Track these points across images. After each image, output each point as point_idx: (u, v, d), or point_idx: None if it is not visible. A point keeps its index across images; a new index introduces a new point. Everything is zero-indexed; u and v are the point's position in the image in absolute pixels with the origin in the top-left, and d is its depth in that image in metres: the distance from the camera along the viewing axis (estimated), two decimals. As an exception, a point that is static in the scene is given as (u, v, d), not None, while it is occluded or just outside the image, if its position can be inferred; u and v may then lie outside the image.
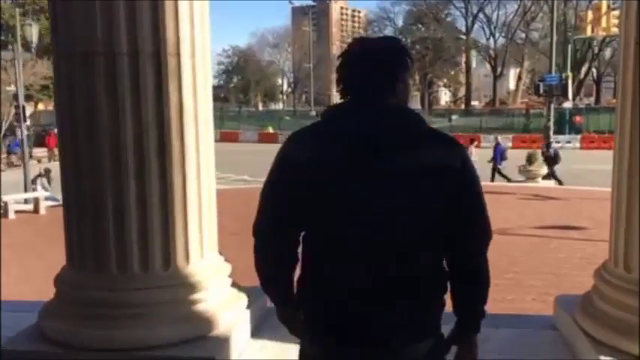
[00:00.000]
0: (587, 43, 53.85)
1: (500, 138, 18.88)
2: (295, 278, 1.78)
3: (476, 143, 17.61)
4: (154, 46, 2.95)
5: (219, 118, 46.81)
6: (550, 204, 12.04)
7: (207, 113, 3.21)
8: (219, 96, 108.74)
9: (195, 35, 3.08)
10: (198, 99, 3.11)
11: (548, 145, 16.95)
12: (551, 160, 16.06)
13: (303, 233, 1.73)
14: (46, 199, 13.61)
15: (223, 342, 3.10)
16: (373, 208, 1.60)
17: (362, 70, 1.67)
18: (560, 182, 15.89)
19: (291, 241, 1.72)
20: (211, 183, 3.32)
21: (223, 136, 39.44)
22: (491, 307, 5.85)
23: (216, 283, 3.29)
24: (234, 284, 3.52)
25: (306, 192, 1.64)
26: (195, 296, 3.13)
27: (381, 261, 1.61)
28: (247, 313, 3.46)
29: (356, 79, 1.69)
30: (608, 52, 63.83)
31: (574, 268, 6.96)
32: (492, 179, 15.79)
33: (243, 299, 3.47)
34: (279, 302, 1.85)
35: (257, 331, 3.53)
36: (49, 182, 15.48)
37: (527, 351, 3.31)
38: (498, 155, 16.20)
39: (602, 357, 2.81)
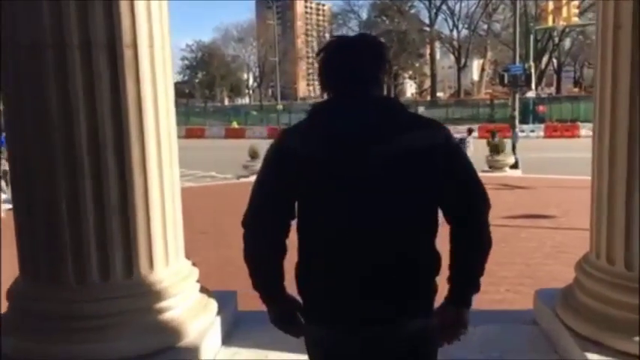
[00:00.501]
0: (548, 34, 54.77)
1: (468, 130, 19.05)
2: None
3: (474, 134, 17.49)
4: (107, 36, 2.73)
5: (185, 114, 46.20)
6: (518, 193, 12.09)
7: (168, 107, 3.00)
8: (184, 92, 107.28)
9: (153, 24, 2.87)
10: (159, 92, 2.90)
11: (493, 134, 17.44)
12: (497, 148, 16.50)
13: (294, 223, 1.76)
14: (4, 201, 13.07)
15: (192, 351, 2.92)
16: (368, 194, 1.65)
17: (344, 65, 1.73)
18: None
19: (281, 231, 1.75)
20: (175, 182, 3.11)
21: (189, 133, 38.83)
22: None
23: (184, 289, 3.09)
24: (203, 289, 3.33)
25: (300, 182, 1.69)
26: (161, 305, 2.93)
27: (377, 244, 1.67)
28: (218, 320, 3.28)
29: (339, 74, 1.74)
30: (567, 43, 65.21)
31: (545, 257, 6.95)
32: None
33: (212, 305, 3.28)
34: (270, 299, 1.84)
35: (228, 338, 3.35)
36: (7, 184, 14.91)
37: (509, 347, 3.22)
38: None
39: (586, 353, 2.72)
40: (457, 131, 30.16)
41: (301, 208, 1.74)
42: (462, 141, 15.94)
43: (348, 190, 1.66)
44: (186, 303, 3.08)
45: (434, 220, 1.75)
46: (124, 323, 2.78)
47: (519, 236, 8.15)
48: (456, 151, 1.77)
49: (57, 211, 2.78)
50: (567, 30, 56.35)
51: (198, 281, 3.30)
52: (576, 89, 69.06)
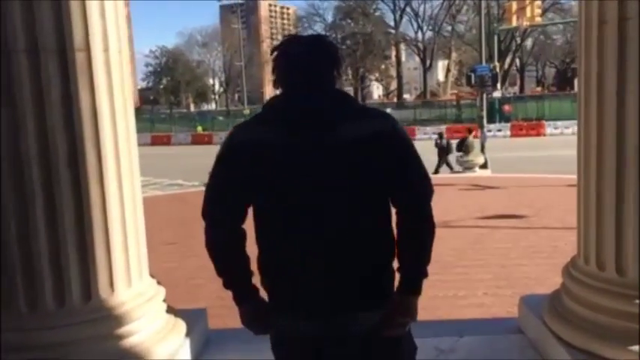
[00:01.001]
0: (511, 34, 55.67)
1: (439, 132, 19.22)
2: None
3: (474, 134, 17.38)
4: (57, 39, 2.49)
5: (150, 121, 45.46)
6: (489, 193, 12.10)
7: (127, 115, 2.77)
8: (149, 98, 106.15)
9: (108, 26, 2.63)
10: (116, 99, 2.66)
11: (440, 135, 17.63)
12: (444, 150, 16.63)
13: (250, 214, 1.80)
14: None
15: (160, 378, 2.69)
16: (315, 180, 1.70)
17: (299, 60, 1.77)
18: (451, 168, 16.49)
19: (237, 219, 1.79)
20: (137, 195, 2.88)
21: (155, 140, 38.23)
22: (444, 304, 5.60)
23: (149, 311, 2.86)
24: (170, 309, 3.10)
25: (251, 171, 1.72)
26: (124, 330, 2.70)
27: (329, 229, 1.71)
28: (187, 342, 3.05)
29: (294, 68, 1.78)
30: (529, 43, 66.45)
31: (520, 258, 6.89)
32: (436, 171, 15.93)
33: (180, 326, 3.06)
34: (241, 297, 1.86)
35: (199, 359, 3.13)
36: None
37: (495, 359, 3.07)
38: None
39: (578, 362, 2.59)
40: (425, 132, 30.37)
41: (256, 198, 1.77)
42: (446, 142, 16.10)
43: (299, 178, 1.70)
44: (152, 326, 2.85)
45: (386, 207, 1.79)
46: (83, 352, 2.54)
47: (493, 237, 8.10)
48: (404, 138, 1.80)
49: (5, 231, 2.53)
50: (529, 30, 57.51)
51: (164, 301, 3.07)
52: (539, 88, 70.50)
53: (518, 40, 61.33)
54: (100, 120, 2.59)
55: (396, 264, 1.82)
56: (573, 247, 7.27)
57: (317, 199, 1.70)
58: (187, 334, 3.07)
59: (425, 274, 1.80)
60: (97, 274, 2.62)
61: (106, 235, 2.63)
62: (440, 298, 5.35)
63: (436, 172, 15.93)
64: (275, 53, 1.83)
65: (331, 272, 1.71)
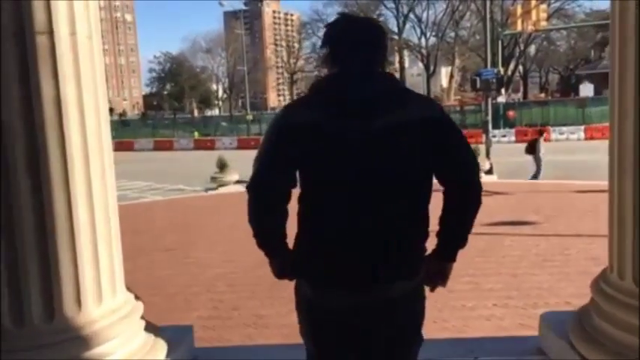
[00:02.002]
0: (514, 41, 55.38)
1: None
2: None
3: (545, 135, 16.62)
4: (14, 20, 2.16)
5: (153, 126, 45.28)
6: (497, 199, 11.75)
7: (98, 108, 2.42)
8: (153, 104, 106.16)
9: (76, 7, 2.30)
10: (84, 89, 2.33)
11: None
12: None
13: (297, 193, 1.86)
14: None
15: (134, 408, 2.35)
16: (370, 161, 1.76)
17: (353, 45, 1.81)
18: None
19: (283, 196, 1.85)
20: (110, 199, 2.55)
21: (157, 145, 38.08)
22: (452, 316, 5.20)
23: (124, 330, 2.52)
24: (149, 327, 2.77)
25: (302, 151, 1.78)
26: (94, 352, 2.36)
27: (378, 208, 1.78)
28: (167, 364, 2.71)
29: (348, 52, 1.81)
30: (532, 49, 66.16)
31: (531, 267, 6.57)
32: None
33: (161, 346, 2.72)
34: (274, 253, 1.96)
35: (182, 384, 2.80)
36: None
37: (514, 384, 2.73)
38: None
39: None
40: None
41: (304, 176, 1.84)
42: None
43: (350, 158, 1.76)
44: (128, 347, 2.52)
45: (429, 187, 1.87)
46: (44, 380, 2.20)
47: (503, 244, 7.79)
48: (452, 123, 1.90)
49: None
50: (533, 37, 57.27)
51: (143, 318, 2.74)
52: (542, 95, 70.11)
53: (522, 46, 61.05)
54: (65, 114, 2.26)
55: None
56: (586, 256, 6.97)
57: (364, 180, 1.77)
58: (169, 354, 2.74)
59: (465, 243, 1.91)
60: (61, 289, 2.27)
61: (72, 244, 2.29)
62: (448, 308, 5.03)
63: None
64: (332, 30, 1.88)
65: (372, 248, 1.79)
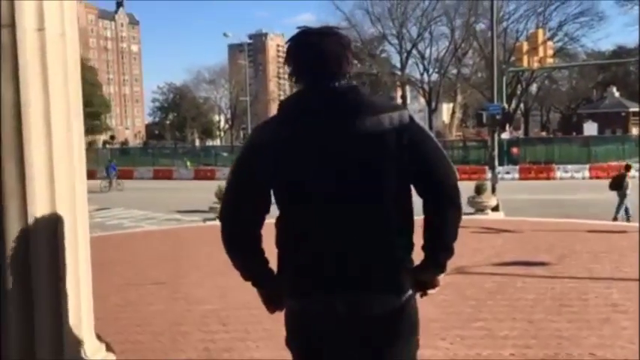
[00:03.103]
0: (517, 79, 55.72)
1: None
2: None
3: (633, 172, 15.57)
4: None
5: (153, 155, 45.17)
6: (505, 237, 11.33)
7: (69, 118, 2.03)
8: (155, 133, 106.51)
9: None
10: (53, 94, 1.94)
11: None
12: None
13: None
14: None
15: None
16: (341, 172, 1.76)
17: (315, 59, 1.81)
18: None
19: (257, 221, 1.85)
20: (80, 231, 2.13)
21: (157, 174, 37.85)
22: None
23: (88, 386, 2.08)
24: (121, 380, 2.33)
25: (272, 169, 1.77)
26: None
27: (356, 220, 1.78)
28: None
29: (308, 66, 1.82)
30: (534, 88, 66.60)
31: (548, 312, 6.10)
32: None
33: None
34: (258, 283, 1.95)
35: None
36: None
37: None
38: None
39: None
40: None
41: (279, 195, 1.82)
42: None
43: (322, 169, 1.75)
44: (92, 407, 2.07)
45: (409, 198, 1.85)
46: None
47: (515, 286, 7.33)
48: (422, 128, 1.87)
49: None
50: (535, 75, 57.62)
51: (115, 370, 2.30)
52: (544, 133, 70.31)
53: (524, 84, 61.50)
54: (25, 123, 1.87)
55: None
56: (605, 302, 6.52)
57: (341, 189, 1.75)
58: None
59: (452, 253, 1.90)
60: (9, 339, 1.85)
61: (25, 290, 1.87)
62: (461, 358, 4.59)
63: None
64: (292, 46, 1.85)
65: (353, 260, 1.78)
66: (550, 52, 20.65)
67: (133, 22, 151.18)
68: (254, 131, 1.89)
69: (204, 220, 15.18)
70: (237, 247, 1.87)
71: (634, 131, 49.31)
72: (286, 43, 1.88)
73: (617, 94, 59.04)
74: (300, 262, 1.84)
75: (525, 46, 19.83)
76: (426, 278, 1.93)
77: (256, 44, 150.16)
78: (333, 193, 1.76)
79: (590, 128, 45.03)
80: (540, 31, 19.13)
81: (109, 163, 32.93)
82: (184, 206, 19.51)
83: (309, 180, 1.77)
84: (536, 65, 20.72)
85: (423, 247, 1.90)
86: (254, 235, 1.85)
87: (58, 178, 1.98)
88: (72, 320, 2.04)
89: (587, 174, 30.00)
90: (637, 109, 57.33)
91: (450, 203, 1.87)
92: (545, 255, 9.22)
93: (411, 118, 1.85)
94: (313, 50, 1.81)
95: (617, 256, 8.39)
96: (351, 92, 1.84)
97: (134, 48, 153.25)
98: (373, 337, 1.82)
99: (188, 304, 6.39)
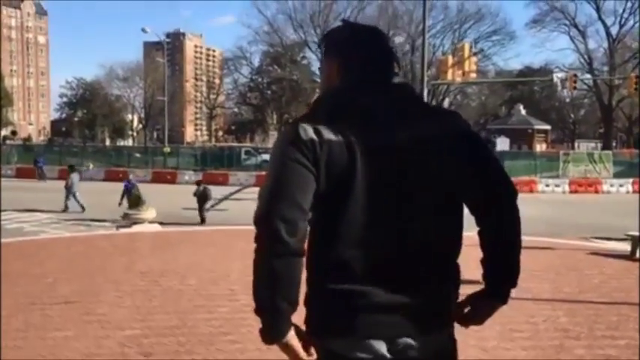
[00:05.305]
0: (432, 93, 57.35)
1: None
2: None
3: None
4: None
5: (60, 154, 42.44)
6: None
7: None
8: (61, 130, 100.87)
9: None
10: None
11: (198, 182, 17.29)
12: (201, 198, 16.03)
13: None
14: None
15: None
16: (390, 183, 1.59)
17: (367, 54, 1.72)
18: (203, 221, 15.62)
19: (303, 234, 1.54)
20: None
21: (63, 174, 35.45)
22: None
23: None
24: None
25: (325, 174, 1.56)
26: None
27: (407, 238, 1.59)
28: None
29: (362, 61, 1.71)
30: (446, 102, 69.02)
31: (501, 339, 5.74)
32: None
33: None
34: (279, 335, 1.56)
35: None
36: None
37: None
38: None
39: None
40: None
41: (324, 208, 1.58)
42: None
43: (373, 181, 1.57)
44: None
45: (461, 215, 1.67)
46: None
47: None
48: (479, 137, 1.77)
49: None
50: (449, 89, 59.62)
51: None
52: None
53: (440, 98, 63.56)
54: None
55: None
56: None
57: (393, 203, 1.59)
58: None
59: (515, 284, 1.69)
60: None
61: None
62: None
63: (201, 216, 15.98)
64: (341, 39, 1.76)
65: (410, 287, 1.59)
66: (474, 67, 21.13)
67: (41, 12, 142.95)
68: (294, 126, 1.61)
69: (118, 227, 14.05)
70: (281, 277, 1.53)
71: (538, 148, 52.01)
72: (327, 34, 1.82)
73: (523, 111, 62.23)
74: (351, 292, 1.58)
75: (450, 60, 20.19)
76: (485, 306, 1.73)
77: (174, 43, 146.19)
78: (389, 203, 1.60)
79: (503, 143, 46.99)
80: (467, 45, 19.55)
81: (38, 158, 33.59)
82: (95, 208, 18.15)
83: (367, 190, 1.58)
84: (458, 80, 21.13)
85: (484, 276, 1.71)
86: (301, 248, 1.55)
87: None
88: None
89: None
90: (541, 127, 60.86)
91: (514, 226, 1.68)
92: (475, 272, 9.08)
93: (467, 124, 1.74)
94: (380, 46, 1.74)
95: (553, 274, 8.32)
96: (411, 92, 1.75)
97: (41, 39, 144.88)
98: None
99: (104, 328, 5.53)
